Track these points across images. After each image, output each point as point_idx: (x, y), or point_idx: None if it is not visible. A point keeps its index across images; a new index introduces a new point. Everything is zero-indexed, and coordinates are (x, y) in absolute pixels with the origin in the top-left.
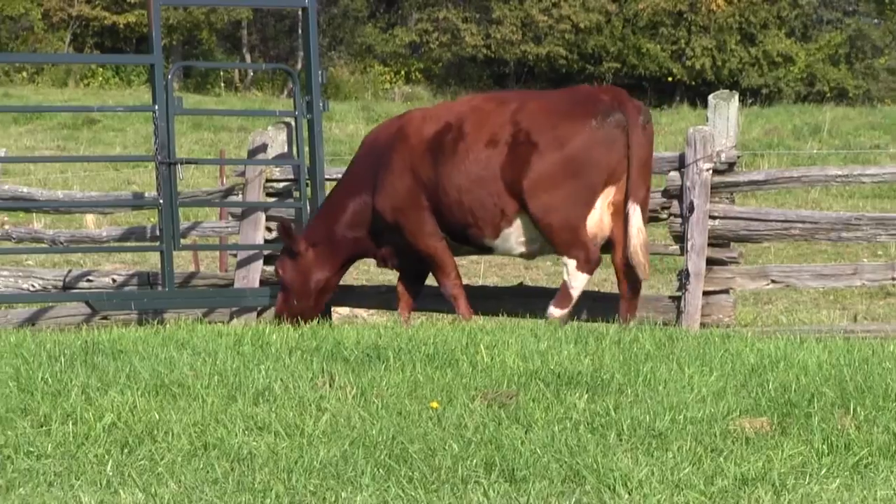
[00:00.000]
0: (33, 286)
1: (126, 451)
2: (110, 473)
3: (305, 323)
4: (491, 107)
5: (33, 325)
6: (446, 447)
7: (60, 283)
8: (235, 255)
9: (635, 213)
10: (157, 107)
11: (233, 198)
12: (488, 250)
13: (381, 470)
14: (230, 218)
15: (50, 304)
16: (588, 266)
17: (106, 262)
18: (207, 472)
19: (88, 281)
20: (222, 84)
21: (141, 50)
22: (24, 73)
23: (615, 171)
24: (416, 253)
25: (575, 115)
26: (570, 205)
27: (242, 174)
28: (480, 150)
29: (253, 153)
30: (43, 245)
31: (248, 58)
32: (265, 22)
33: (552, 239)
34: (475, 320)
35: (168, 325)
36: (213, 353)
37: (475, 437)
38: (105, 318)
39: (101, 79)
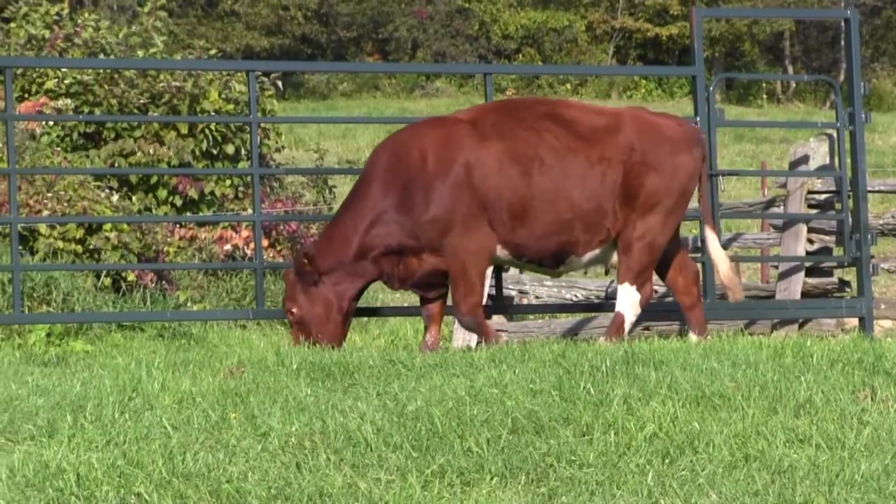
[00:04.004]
0: (576, 296)
1: (667, 461)
2: (651, 483)
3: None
4: (582, 117)
5: (576, 335)
6: None
7: (603, 294)
8: (777, 267)
9: (715, 240)
10: (698, 118)
11: (774, 209)
12: (550, 269)
13: None
14: (771, 229)
15: (592, 314)
16: (646, 302)
17: None
18: (748, 483)
19: None
20: (764, 96)
21: (683, 62)
22: (568, 85)
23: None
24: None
25: (686, 143)
26: (664, 234)
27: (784, 186)
28: (594, 166)
29: (794, 165)
30: None
31: (789, 69)
32: (807, 33)
33: (628, 264)
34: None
35: (709, 336)
36: (753, 365)
37: None
38: (646, 328)
39: (643, 90)
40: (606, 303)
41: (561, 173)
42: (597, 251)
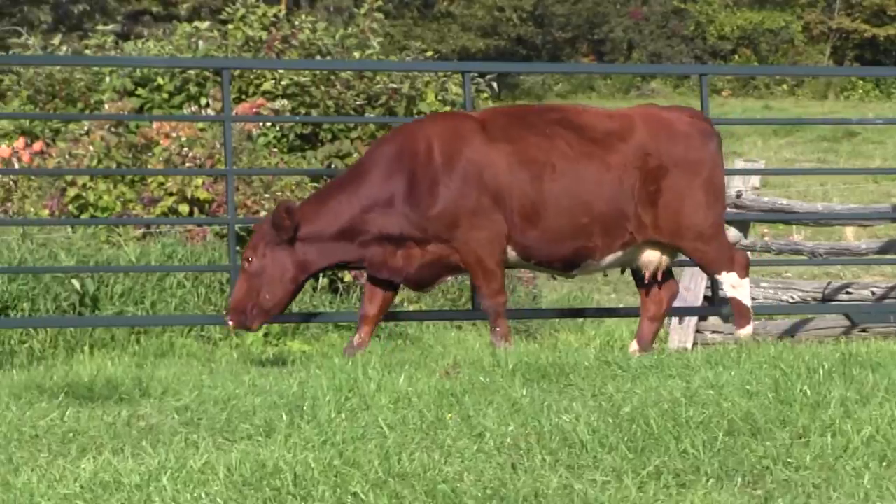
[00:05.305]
0: (792, 298)
1: (884, 464)
2: (868, 486)
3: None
4: (593, 121)
5: (792, 336)
6: None
7: (819, 295)
8: None
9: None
10: None
11: None
12: (561, 273)
13: None
14: None
15: (809, 315)
16: (747, 270)
17: (865, 275)
18: None
19: (847, 293)
20: None
21: None
22: (785, 86)
23: None
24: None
25: (700, 135)
26: (710, 223)
27: None
28: (610, 170)
29: None
30: (802, 257)
31: None
32: None
33: (703, 264)
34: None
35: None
36: None
37: None
38: (864, 330)
39: (860, 91)
40: (823, 304)
41: (575, 178)
42: (619, 254)
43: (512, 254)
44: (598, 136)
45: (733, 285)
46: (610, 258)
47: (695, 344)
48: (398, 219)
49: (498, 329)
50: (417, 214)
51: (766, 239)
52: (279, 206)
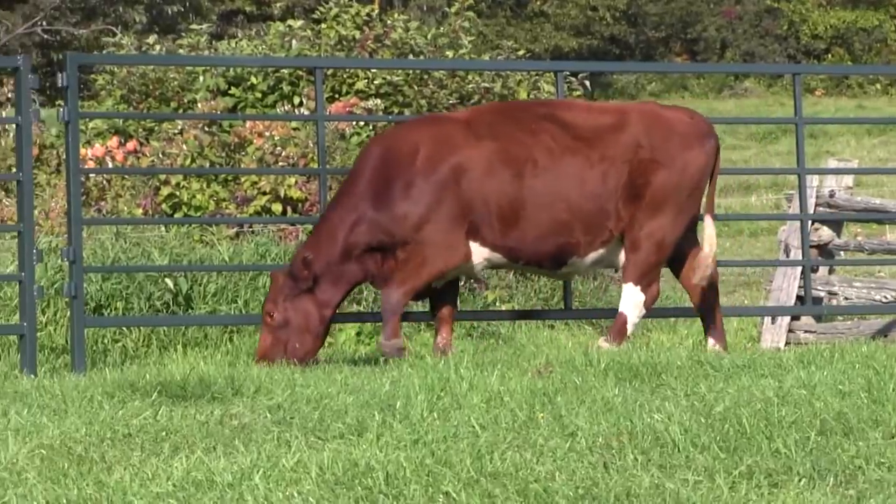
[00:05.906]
0: (885, 297)
1: None
2: None
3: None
4: (582, 117)
5: (885, 336)
6: None
7: None
8: None
9: (711, 224)
10: None
11: None
12: (550, 271)
13: None
14: None
15: None
16: (653, 302)
17: None
18: None
19: None
20: None
21: None
22: (879, 85)
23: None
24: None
25: (697, 137)
26: (673, 232)
27: None
28: (594, 167)
29: None
30: (895, 257)
31: None
32: None
33: (635, 262)
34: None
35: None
36: None
37: None
38: None
39: None
40: None
41: (557, 175)
42: (601, 251)
43: (496, 255)
44: (586, 132)
45: (635, 304)
46: (593, 255)
47: (787, 343)
48: (375, 225)
49: (389, 327)
50: (388, 218)
51: (860, 238)
52: (296, 259)
